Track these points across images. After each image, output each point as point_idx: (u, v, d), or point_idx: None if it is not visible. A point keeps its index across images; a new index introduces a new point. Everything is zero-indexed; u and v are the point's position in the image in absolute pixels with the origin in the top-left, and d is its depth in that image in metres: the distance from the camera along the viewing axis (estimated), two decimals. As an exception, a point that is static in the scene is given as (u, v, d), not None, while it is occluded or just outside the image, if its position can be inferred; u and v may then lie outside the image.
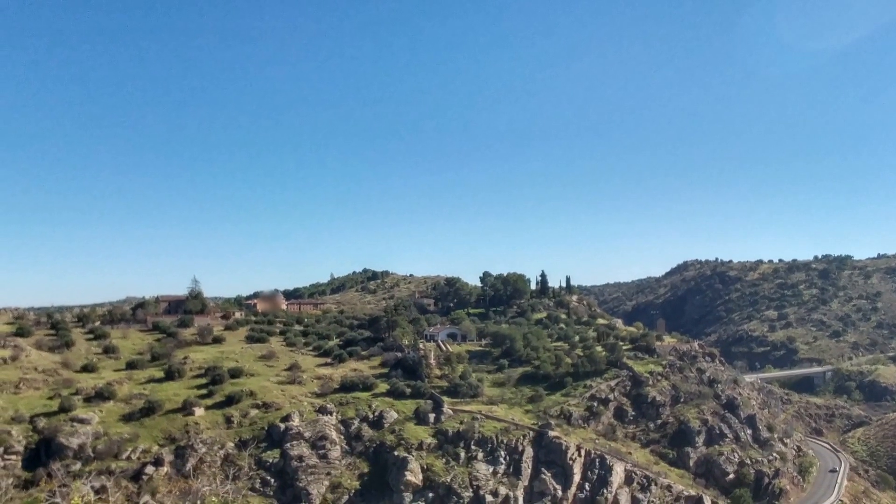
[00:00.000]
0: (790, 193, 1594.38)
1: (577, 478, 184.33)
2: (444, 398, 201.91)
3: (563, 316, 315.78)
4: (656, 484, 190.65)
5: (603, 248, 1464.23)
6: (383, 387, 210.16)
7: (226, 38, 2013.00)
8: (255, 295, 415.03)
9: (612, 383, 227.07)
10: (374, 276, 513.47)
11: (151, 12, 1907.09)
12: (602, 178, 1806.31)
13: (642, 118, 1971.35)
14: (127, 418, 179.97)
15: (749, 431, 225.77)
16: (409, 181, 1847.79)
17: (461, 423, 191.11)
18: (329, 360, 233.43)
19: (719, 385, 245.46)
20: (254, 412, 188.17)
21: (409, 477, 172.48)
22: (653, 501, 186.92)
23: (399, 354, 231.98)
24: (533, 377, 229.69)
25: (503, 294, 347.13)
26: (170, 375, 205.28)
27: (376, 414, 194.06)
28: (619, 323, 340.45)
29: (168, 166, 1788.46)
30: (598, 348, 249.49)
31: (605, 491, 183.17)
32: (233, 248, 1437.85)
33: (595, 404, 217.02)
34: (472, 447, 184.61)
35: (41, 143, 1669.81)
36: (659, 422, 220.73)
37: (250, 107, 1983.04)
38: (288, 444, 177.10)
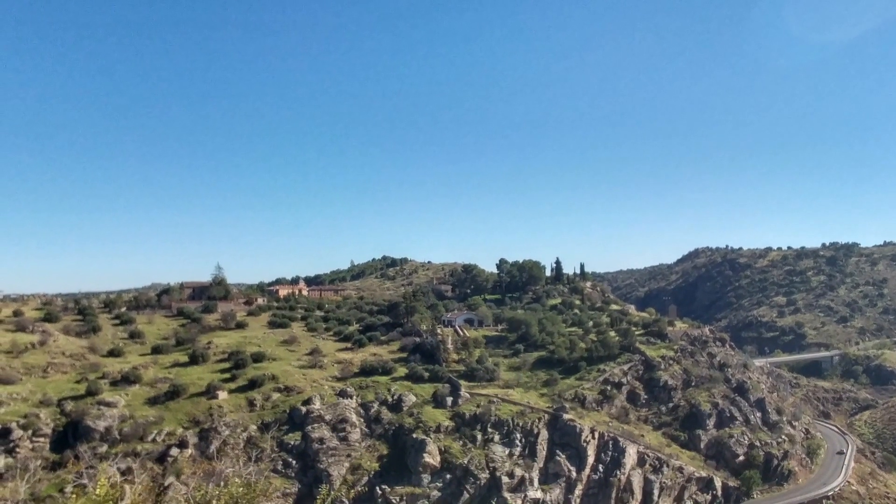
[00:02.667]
0: (798, 182, 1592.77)
1: (590, 459, 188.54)
2: (462, 382, 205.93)
3: (578, 302, 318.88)
4: (668, 465, 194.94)
5: (616, 235, 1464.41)
6: (402, 371, 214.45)
7: (248, 31, 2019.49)
8: (278, 281, 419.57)
9: (625, 367, 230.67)
10: (393, 262, 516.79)
11: (176, 6, 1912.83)
12: (615, 168, 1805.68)
13: (654, 109, 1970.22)
14: (152, 402, 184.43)
15: (758, 414, 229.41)
16: (428, 170, 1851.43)
17: (478, 406, 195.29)
18: (349, 345, 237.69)
19: (729, 369, 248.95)
20: (276, 396, 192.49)
21: (428, 459, 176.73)
22: (665, 482, 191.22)
23: (417, 339, 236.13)
24: (548, 361, 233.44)
25: (519, 280, 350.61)
26: (194, 360, 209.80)
27: (395, 397, 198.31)
28: (631, 309, 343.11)
29: (192, 156, 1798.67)
30: (612, 333, 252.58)
31: (618, 472, 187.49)
32: (255, 236, 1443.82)
33: (608, 388, 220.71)
34: (489, 430, 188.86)
35: (69, 134, 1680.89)
36: (671, 405, 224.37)
37: (272, 98, 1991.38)
38: (309, 427, 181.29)
